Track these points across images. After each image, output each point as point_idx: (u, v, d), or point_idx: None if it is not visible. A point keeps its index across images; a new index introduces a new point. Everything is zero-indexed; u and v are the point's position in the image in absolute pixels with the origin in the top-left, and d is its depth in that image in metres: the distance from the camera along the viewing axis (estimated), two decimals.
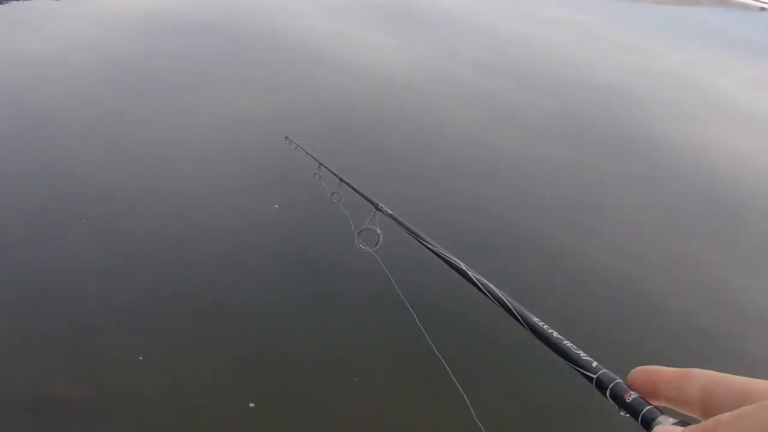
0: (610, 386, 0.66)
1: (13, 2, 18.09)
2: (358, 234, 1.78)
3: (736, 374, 0.57)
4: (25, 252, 7.76)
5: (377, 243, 1.75)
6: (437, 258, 1.21)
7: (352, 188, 2.07)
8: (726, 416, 0.49)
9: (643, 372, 0.63)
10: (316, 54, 16.43)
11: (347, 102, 13.50)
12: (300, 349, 5.97)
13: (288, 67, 15.45)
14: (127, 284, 7.29)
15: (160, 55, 14.98)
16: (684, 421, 0.56)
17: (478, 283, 1.02)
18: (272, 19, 19.72)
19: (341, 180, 2.23)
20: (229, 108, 12.43)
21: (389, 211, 1.63)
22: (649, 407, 0.61)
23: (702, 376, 0.58)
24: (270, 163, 9.06)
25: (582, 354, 0.74)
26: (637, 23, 33.14)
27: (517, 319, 0.89)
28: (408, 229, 1.41)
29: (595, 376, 0.69)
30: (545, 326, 0.83)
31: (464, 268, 1.09)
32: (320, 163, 2.62)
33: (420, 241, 1.33)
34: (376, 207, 1.70)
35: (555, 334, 0.80)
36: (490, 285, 0.99)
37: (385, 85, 15.04)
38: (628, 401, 0.63)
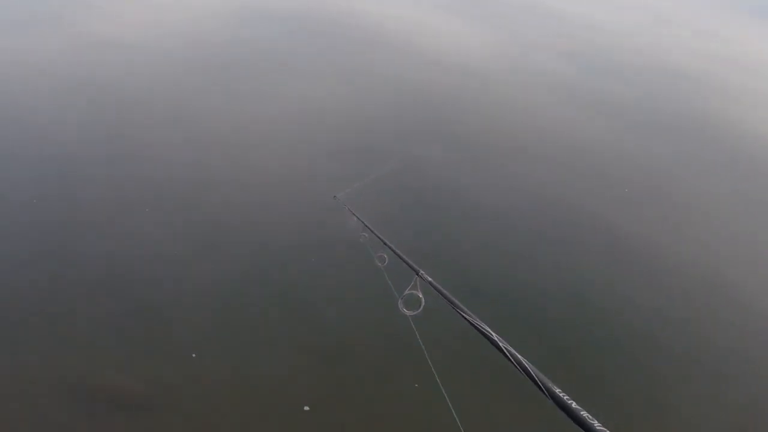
0: None
1: None
2: (401, 298, 1.89)
3: None
4: (90, 238, 8.09)
5: (419, 307, 1.85)
6: (471, 327, 1.31)
7: (396, 254, 2.20)
8: None
9: None
10: (393, 41, 16.27)
11: (425, 87, 13.50)
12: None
13: (365, 56, 15.24)
14: (190, 278, 7.52)
15: (241, 43, 15.11)
16: None
17: (509, 355, 1.11)
18: (350, 7, 19.50)
19: (385, 244, 2.37)
20: (302, 100, 12.41)
21: (429, 278, 1.74)
22: None
23: None
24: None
25: (596, 424, 0.83)
26: (715, 5, 30.34)
27: (541, 389, 0.98)
28: (446, 297, 1.51)
29: None
30: (566, 396, 0.92)
31: (496, 339, 1.19)
32: (366, 225, 2.76)
33: (456, 310, 1.44)
34: (417, 273, 1.81)
35: (574, 404, 0.90)
36: (519, 356, 1.09)
37: (459, 71, 14.79)
38: None
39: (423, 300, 1.88)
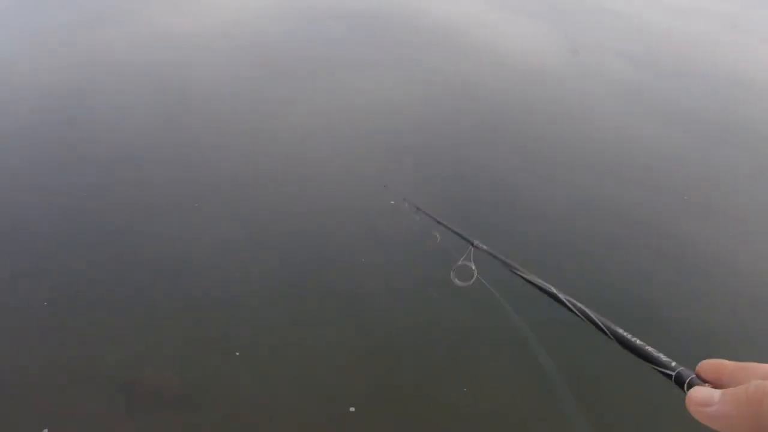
0: (687, 380, 0.76)
1: None
2: (453, 270, 1.92)
3: None
4: (144, 228, 8.39)
5: (473, 278, 1.88)
6: (530, 286, 1.32)
7: (449, 228, 2.22)
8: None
9: (707, 364, 0.73)
10: (457, 39, 16.43)
11: (488, 88, 13.58)
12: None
13: (428, 55, 15.48)
14: (243, 271, 7.70)
15: (301, 41, 15.53)
16: None
17: (569, 304, 1.13)
18: (416, 7, 19.68)
19: (438, 222, 2.39)
20: (363, 97, 12.65)
21: (484, 247, 1.76)
22: None
23: (759, 369, 0.67)
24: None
25: (662, 356, 0.84)
26: None
27: (605, 332, 0.99)
28: (503, 261, 1.53)
29: (673, 373, 0.79)
30: (629, 335, 0.93)
31: (555, 292, 1.20)
32: (417, 208, 2.80)
33: (513, 271, 1.45)
34: (472, 243, 1.83)
35: (638, 341, 0.91)
36: (579, 304, 1.10)
37: (523, 73, 14.90)
38: None
39: (475, 270, 1.90)
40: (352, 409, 5.26)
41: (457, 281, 1.91)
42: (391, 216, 7.95)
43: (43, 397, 5.94)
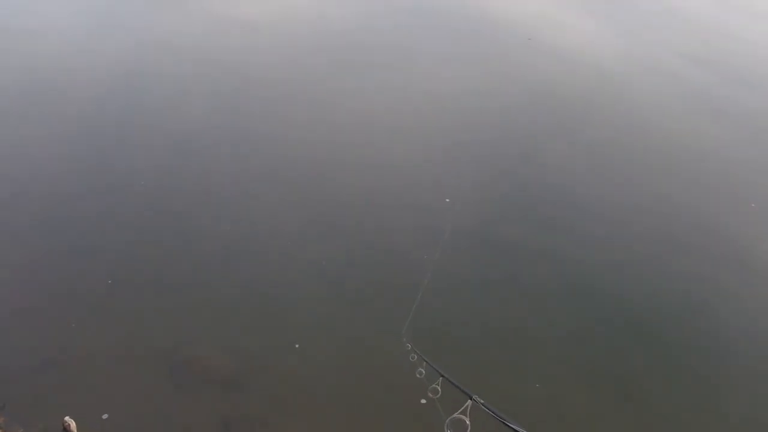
0: None
1: None
2: (448, 421, 2.20)
3: None
4: (207, 211, 8.49)
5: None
6: None
7: (451, 382, 2.54)
8: None
9: None
10: (524, 37, 16.57)
11: (553, 85, 13.63)
12: None
13: (494, 51, 15.64)
14: (292, 262, 7.69)
15: (370, 32, 15.72)
16: None
17: None
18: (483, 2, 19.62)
19: (442, 375, 2.68)
20: (428, 91, 12.66)
21: (481, 401, 2.08)
22: None
23: None
24: None
25: None
26: None
27: None
28: (501, 420, 1.87)
29: None
30: None
31: None
32: (425, 360, 3.02)
33: (507, 424, 1.81)
34: (470, 397, 2.15)
35: None
36: None
37: (589, 71, 15.01)
38: None
39: (469, 425, 2.17)
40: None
41: None
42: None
43: (97, 374, 6.18)
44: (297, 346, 6.78)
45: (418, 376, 3.08)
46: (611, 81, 14.71)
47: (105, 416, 5.87)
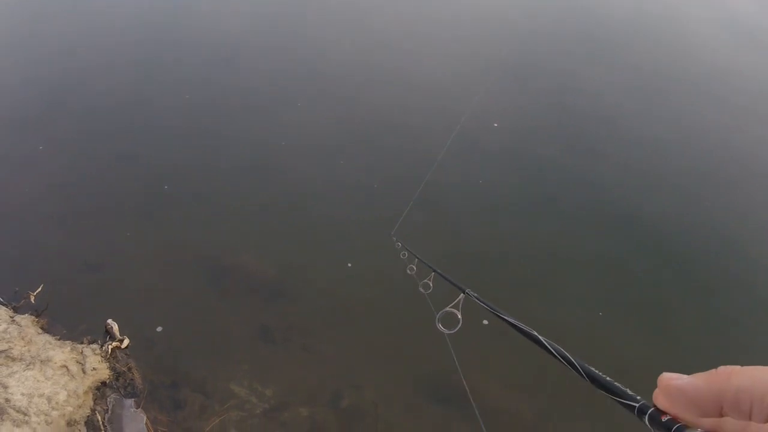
0: (648, 412, 0.79)
1: None
2: (438, 316, 1.92)
3: None
4: (244, 123, 8.56)
5: (457, 326, 1.89)
6: (515, 330, 1.34)
7: (443, 276, 2.26)
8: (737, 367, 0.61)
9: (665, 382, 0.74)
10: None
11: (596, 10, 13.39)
12: None
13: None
14: (331, 174, 7.70)
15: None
16: None
17: (549, 347, 1.16)
18: None
19: (434, 271, 2.43)
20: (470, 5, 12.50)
21: (475, 294, 1.78)
22: (678, 425, 0.73)
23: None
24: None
25: (628, 390, 0.88)
26: None
27: (580, 372, 1.03)
28: (490, 308, 1.56)
29: (637, 405, 0.82)
30: (600, 374, 0.97)
31: (537, 335, 1.23)
32: (417, 257, 2.83)
33: (499, 315, 1.48)
34: (463, 291, 1.85)
35: (607, 378, 0.95)
36: (558, 347, 1.13)
37: None
38: (663, 421, 0.76)
39: (461, 319, 1.91)
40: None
41: (441, 328, 1.92)
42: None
43: (136, 276, 6.34)
44: (350, 264, 6.65)
45: (408, 272, 2.81)
46: (664, 9, 14.05)
47: (159, 329, 6.01)
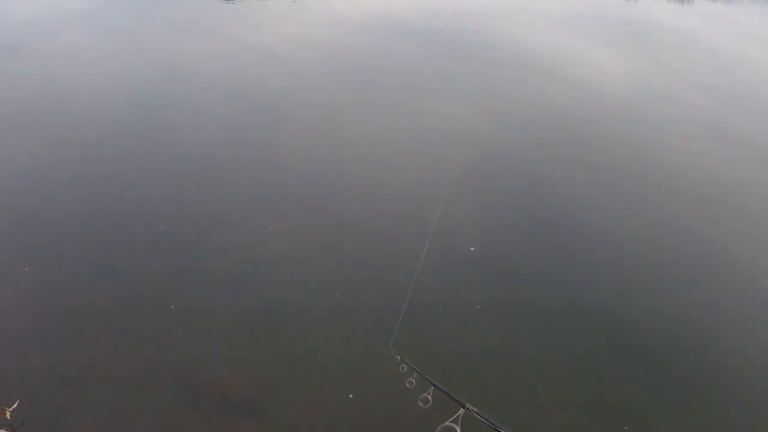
0: None
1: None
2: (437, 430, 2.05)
3: None
4: (214, 233, 8.48)
5: None
6: None
7: (443, 391, 2.39)
8: None
9: None
10: (536, 64, 16.69)
11: (564, 113, 13.68)
12: None
13: (503, 77, 15.76)
14: (304, 284, 7.58)
15: (380, 57, 16.03)
16: None
17: None
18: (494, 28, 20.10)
19: (434, 385, 2.54)
20: (437, 116, 12.80)
21: (475, 410, 1.94)
22: None
23: None
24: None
25: None
26: None
27: None
28: (491, 424, 1.74)
29: None
30: None
31: None
32: (417, 371, 2.87)
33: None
34: (463, 406, 2.01)
35: None
36: None
37: (601, 100, 14.90)
38: None
39: None
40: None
41: None
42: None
43: (112, 393, 6.06)
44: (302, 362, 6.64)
45: (408, 386, 2.89)
46: (623, 109, 14.65)
47: None
